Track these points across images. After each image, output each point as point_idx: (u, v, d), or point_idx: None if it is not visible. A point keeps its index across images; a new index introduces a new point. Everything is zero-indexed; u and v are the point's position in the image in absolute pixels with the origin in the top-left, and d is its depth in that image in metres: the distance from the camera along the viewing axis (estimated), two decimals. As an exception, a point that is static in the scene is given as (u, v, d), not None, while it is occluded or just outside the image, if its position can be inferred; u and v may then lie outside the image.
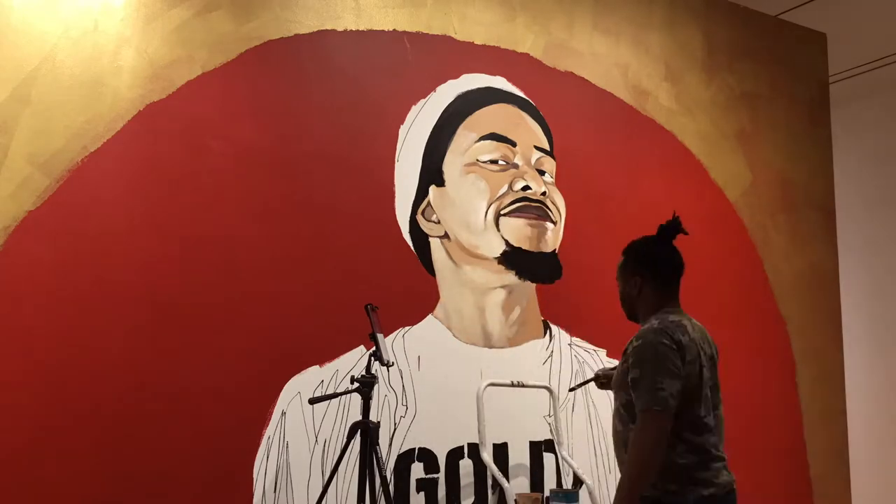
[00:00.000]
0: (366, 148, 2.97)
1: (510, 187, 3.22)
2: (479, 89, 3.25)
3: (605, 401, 3.37)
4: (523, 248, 3.22)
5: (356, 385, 2.51)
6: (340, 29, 2.98)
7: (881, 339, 4.37)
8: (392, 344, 2.92)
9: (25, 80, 2.42)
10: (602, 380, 2.52)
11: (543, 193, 3.28)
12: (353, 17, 3.00)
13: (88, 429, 2.41)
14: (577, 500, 2.88)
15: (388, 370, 2.84)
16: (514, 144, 3.26)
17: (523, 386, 2.98)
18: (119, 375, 2.47)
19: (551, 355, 3.27)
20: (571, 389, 2.92)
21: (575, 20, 3.55)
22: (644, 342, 2.13)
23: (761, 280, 3.99)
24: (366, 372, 2.53)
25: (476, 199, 3.17)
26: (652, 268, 2.39)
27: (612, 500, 2.91)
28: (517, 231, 3.22)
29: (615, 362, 3.43)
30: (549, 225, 3.31)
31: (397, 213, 3.02)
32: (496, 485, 2.87)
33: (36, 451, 2.33)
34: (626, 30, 3.70)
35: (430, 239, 3.08)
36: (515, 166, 3.26)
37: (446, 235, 3.10)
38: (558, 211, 3.35)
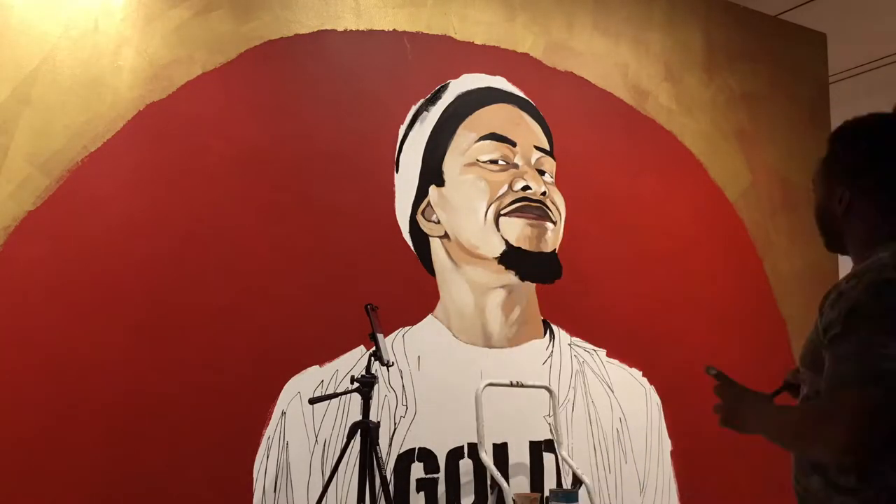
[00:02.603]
0: (366, 148, 2.97)
1: (510, 187, 3.23)
2: (479, 89, 3.25)
3: (605, 401, 3.37)
4: (523, 248, 3.22)
5: (356, 385, 2.51)
6: (340, 29, 2.98)
7: None
8: (392, 344, 2.92)
9: (25, 80, 2.43)
10: (794, 393, 1.75)
11: (543, 193, 3.28)
12: (353, 17, 3.00)
13: (88, 428, 2.41)
14: (576, 500, 2.88)
15: (388, 370, 2.85)
16: (514, 144, 3.26)
17: (523, 386, 2.98)
18: (119, 375, 2.47)
19: (551, 355, 3.27)
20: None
21: (575, 20, 3.55)
22: (864, 282, 1.31)
23: (761, 280, 3.99)
24: (366, 372, 2.53)
25: (476, 199, 3.17)
26: (881, 173, 1.44)
27: (610, 501, 2.89)
28: (517, 231, 3.22)
29: (615, 362, 3.46)
30: (549, 225, 3.31)
31: (397, 213, 3.02)
32: (495, 485, 2.87)
33: (36, 451, 2.33)
34: (626, 30, 3.70)
35: (430, 239, 3.08)
36: (515, 166, 3.26)
37: (446, 235, 3.11)
38: (558, 211, 3.35)
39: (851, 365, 1.25)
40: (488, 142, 3.22)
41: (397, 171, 3.03)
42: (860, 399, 1.22)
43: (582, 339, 3.36)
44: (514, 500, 2.86)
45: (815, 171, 1.57)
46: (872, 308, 1.26)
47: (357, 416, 2.57)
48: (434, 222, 3.09)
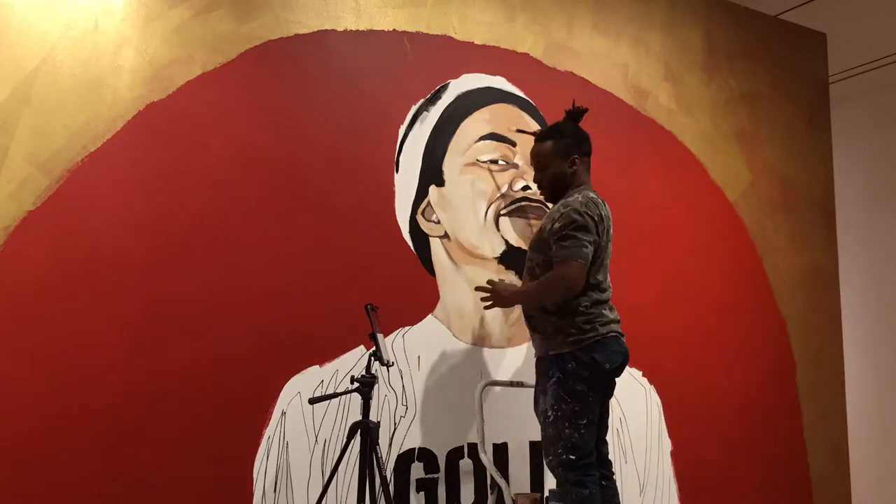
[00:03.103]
0: (366, 148, 2.97)
1: (510, 187, 3.23)
2: (479, 89, 3.25)
3: (605, 401, 3.37)
4: (523, 248, 3.22)
5: (356, 385, 2.51)
6: (340, 29, 2.98)
7: (881, 339, 4.37)
8: (392, 344, 2.92)
9: (25, 80, 2.43)
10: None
11: (543, 193, 3.29)
12: (353, 17, 3.00)
13: (88, 428, 2.41)
14: (576, 500, 2.88)
15: (388, 370, 2.85)
16: (514, 144, 3.26)
17: (523, 386, 2.98)
18: (118, 375, 2.47)
19: (551, 355, 3.26)
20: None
21: (575, 20, 3.55)
22: (573, 209, 2.57)
23: (761, 280, 3.99)
24: (366, 372, 2.53)
25: (476, 199, 3.17)
26: (585, 147, 2.77)
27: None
28: (517, 231, 3.22)
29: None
30: (549, 225, 3.31)
31: (397, 213, 3.02)
32: (495, 485, 2.87)
33: (36, 451, 2.33)
34: (626, 30, 3.70)
35: (430, 239, 3.08)
36: (515, 166, 3.26)
37: (446, 235, 3.11)
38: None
39: (570, 250, 2.53)
40: (488, 142, 3.22)
41: (397, 171, 3.03)
42: (577, 266, 2.52)
43: (582, 339, 3.36)
44: (513, 500, 2.87)
45: (541, 152, 2.79)
46: (577, 222, 2.55)
47: (357, 416, 2.58)
48: (434, 222, 3.09)
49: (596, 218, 2.58)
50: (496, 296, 2.73)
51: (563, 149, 2.73)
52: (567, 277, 2.52)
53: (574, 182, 2.72)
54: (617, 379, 2.71)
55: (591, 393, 2.57)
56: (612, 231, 2.70)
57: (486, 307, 2.79)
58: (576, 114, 2.82)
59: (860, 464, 4.26)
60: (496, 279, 2.84)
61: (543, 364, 2.64)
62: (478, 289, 2.81)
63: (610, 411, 2.76)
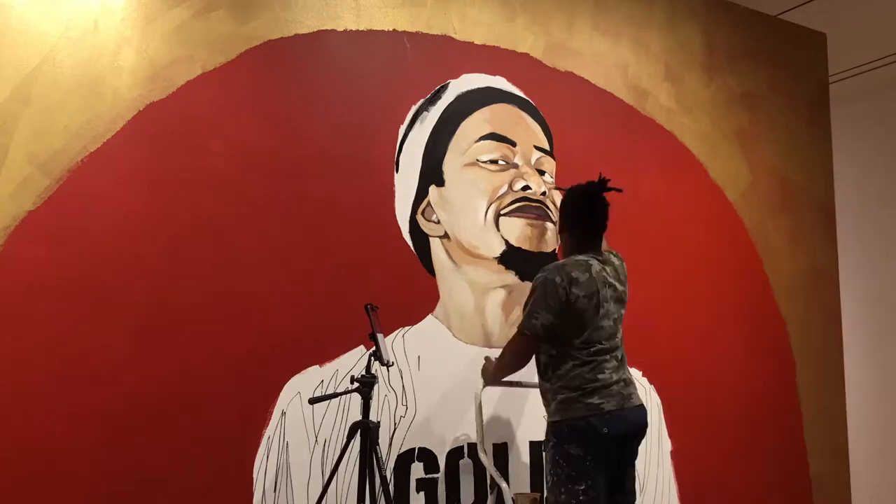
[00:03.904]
0: (366, 148, 2.97)
1: (510, 187, 3.23)
2: (479, 89, 3.25)
3: (605, 401, 3.37)
4: (523, 248, 3.23)
5: (356, 385, 2.51)
6: (340, 29, 2.98)
7: (881, 339, 4.37)
8: (392, 344, 2.92)
9: (25, 80, 2.43)
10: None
11: (543, 193, 3.29)
12: (353, 17, 3.00)
13: (88, 428, 2.41)
14: (576, 500, 2.88)
15: (388, 370, 2.85)
16: (514, 144, 3.26)
17: (523, 386, 2.98)
18: (119, 375, 2.47)
19: (551, 355, 3.26)
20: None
21: (575, 20, 3.55)
22: (540, 275, 2.56)
23: (761, 280, 3.99)
24: (366, 372, 2.53)
25: (476, 198, 3.17)
26: (577, 223, 2.70)
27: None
28: (517, 231, 3.22)
29: (615, 362, 3.45)
30: (549, 225, 3.31)
31: (397, 213, 3.02)
32: (495, 485, 2.87)
33: (36, 451, 2.33)
34: (626, 30, 3.70)
35: (430, 239, 3.08)
36: (515, 166, 3.26)
37: (446, 235, 3.11)
38: (558, 211, 3.35)
39: (522, 321, 2.56)
40: (488, 142, 3.22)
41: (397, 171, 3.03)
42: (519, 339, 2.59)
43: (582, 339, 3.36)
44: (513, 500, 2.87)
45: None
46: (534, 292, 2.54)
47: (357, 416, 2.58)
48: (434, 222, 3.09)
49: (564, 281, 2.48)
50: (483, 373, 2.86)
51: (560, 220, 2.75)
52: (509, 350, 2.66)
53: (568, 251, 2.67)
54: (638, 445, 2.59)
55: (588, 457, 2.43)
56: (620, 287, 2.63)
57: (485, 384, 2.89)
58: (592, 188, 2.65)
59: (860, 464, 4.26)
60: (490, 356, 2.91)
61: (546, 430, 2.58)
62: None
63: (635, 469, 2.62)
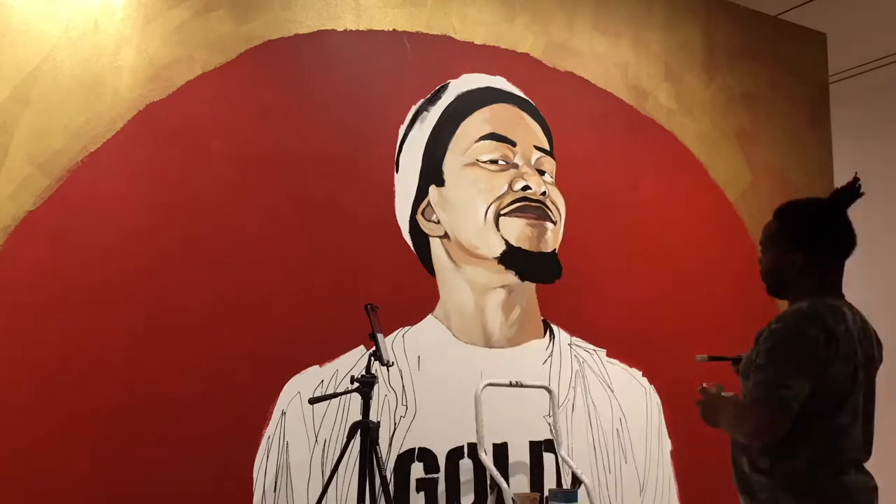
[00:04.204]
0: (366, 148, 2.97)
1: (510, 187, 3.22)
2: (479, 89, 3.25)
3: (605, 401, 3.37)
4: (523, 248, 3.22)
5: (356, 385, 2.51)
6: (340, 29, 2.98)
7: (881, 339, 4.37)
8: (392, 344, 2.92)
9: (25, 80, 2.43)
10: (736, 367, 2.16)
11: (543, 193, 3.28)
12: (353, 17, 3.00)
13: (88, 429, 2.41)
14: (575, 500, 2.88)
15: (388, 370, 2.85)
16: (514, 144, 3.26)
17: (523, 386, 2.98)
18: (119, 375, 2.47)
19: (551, 355, 3.27)
20: (711, 359, 2.46)
21: (575, 20, 3.55)
22: (785, 325, 1.81)
23: (761, 280, 3.98)
24: (366, 372, 2.53)
25: (476, 198, 3.17)
26: (822, 244, 1.94)
27: (609, 501, 2.90)
28: (517, 231, 3.22)
29: (615, 362, 3.45)
30: (549, 225, 3.31)
31: (397, 213, 3.02)
32: (495, 485, 2.87)
33: (36, 452, 2.33)
34: (626, 30, 3.70)
35: (430, 239, 3.08)
36: (515, 166, 3.26)
37: (446, 235, 3.11)
38: (558, 211, 3.35)
39: (762, 390, 1.80)
40: (488, 142, 3.22)
41: (397, 171, 3.03)
42: (761, 414, 1.80)
43: (582, 339, 3.36)
44: (513, 500, 2.86)
45: (765, 237, 2.05)
46: (786, 350, 1.80)
47: (357, 416, 2.57)
48: (434, 222, 3.09)
49: (823, 337, 1.78)
50: (703, 408, 2.09)
51: (787, 238, 1.98)
52: (746, 424, 1.85)
53: (800, 287, 1.95)
54: None
55: None
56: (876, 352, 1.98)
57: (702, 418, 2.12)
58: (842, 198, 2.00)
59: (860, 464, 4.25)
60: (710, 387, 2.10)
61: None
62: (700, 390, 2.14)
63: None
